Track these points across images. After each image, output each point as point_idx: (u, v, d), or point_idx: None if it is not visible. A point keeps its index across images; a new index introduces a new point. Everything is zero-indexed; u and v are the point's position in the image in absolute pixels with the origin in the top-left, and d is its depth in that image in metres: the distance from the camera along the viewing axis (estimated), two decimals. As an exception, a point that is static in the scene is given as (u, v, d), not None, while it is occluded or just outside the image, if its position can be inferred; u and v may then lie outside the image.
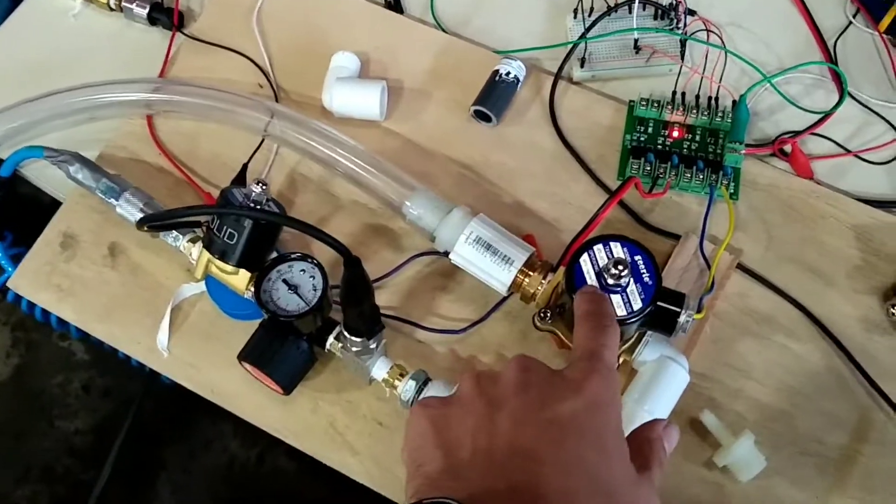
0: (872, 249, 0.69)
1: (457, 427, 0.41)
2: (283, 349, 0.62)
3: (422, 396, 0.60)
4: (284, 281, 0.61)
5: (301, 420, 0.66)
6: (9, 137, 0.75)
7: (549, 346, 0.66)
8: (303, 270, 0.61)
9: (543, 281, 0.63)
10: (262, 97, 0.76)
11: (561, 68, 0.78)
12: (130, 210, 0.68)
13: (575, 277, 0.57)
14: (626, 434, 0.44)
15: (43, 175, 0.77)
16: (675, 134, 0.73)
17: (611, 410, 0.41)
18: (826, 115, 0.74)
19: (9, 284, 0.72)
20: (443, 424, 0.41)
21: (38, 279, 0.71)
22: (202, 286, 0.68)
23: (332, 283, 0.61)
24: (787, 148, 0.74)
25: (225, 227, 0.61)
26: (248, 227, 0.61)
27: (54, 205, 0.75)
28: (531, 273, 0.63)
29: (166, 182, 0.75)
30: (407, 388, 0.61)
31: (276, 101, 0.78)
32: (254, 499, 1.37)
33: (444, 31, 0.82)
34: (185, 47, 0.82)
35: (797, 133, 0.74)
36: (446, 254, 0.66)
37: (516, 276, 0.63)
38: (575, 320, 0.47)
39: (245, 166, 0.72)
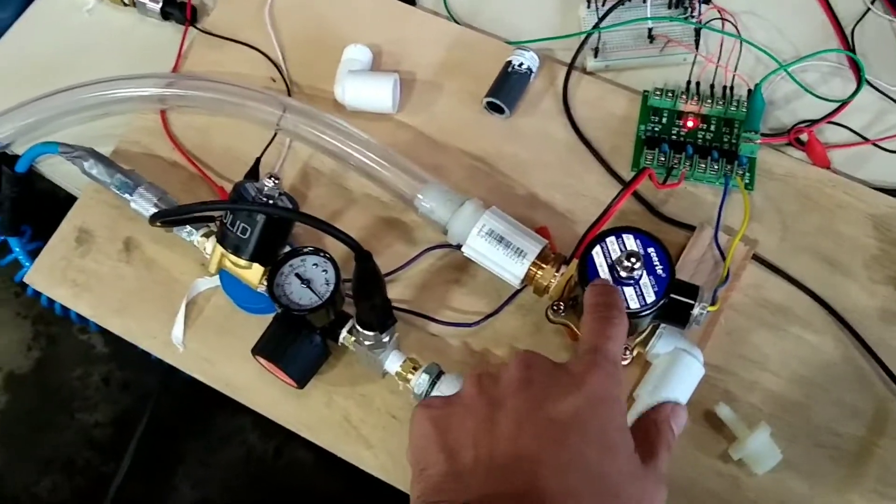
0: (890, 239, 0.68)
1: (458, 429, 0.41)
2: (296, 343, 0.62)
3: (435, 390, 0.60)
4: (297, 275, 0.61)
5: (315, 413, 0.66)
6: (24, 133, 0.76)
7: (562, 338, 0.66)
8: (315, 265, 0.62)
9: (556, 273, 0.63)
10: (274, 91, 0.76)
11: (574, 58, 0.77)
12: (144, 205, 0.68)
13: (587, 270, 0.57)
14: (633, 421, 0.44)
15: (58, 171, 0.77)
16: (690, 124, 0.73)
17: (613, 405, 0.41)
18: (843, 104, 0.73)
19: (26, 280, 0.73)
20: (445, 426, 0.41)
21: (54, 274, 0.72)
22: (216, 280, 0.68)
23: (344, 277, 0.61)
24: (804, 137, 0.73)
25: (238, 222, 0.62)
26: (261, 221, 0.61)
27: (71, 200, 0.75)
28: (544, 265, 0.63)
29: (180, 176, 0.75)
30: (420, 381, 0.61)
31: (289, 94, 0.78)
32: (272, 491, 1.38)
33: (456, 22, 0.82)
34: (198, 42, 0.82)
35: (814, 122, 0.73)
36: (459, 247, 0.66)
37: (529, 269, 0.63)
38: (583, 312, 0.47)
39: (258, 160, 0.72)
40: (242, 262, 0.63)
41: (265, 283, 0.62)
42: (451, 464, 0.39)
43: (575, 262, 0.61)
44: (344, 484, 1.31)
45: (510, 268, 0.63)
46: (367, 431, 0.65)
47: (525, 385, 0.41)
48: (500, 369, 0.44)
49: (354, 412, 0.66)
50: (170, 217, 0.66)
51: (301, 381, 0.64)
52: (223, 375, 0.68)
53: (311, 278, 0.61)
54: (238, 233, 0.62)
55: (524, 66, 0.75)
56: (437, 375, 0.61)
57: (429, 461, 0.40)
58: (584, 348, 0.43)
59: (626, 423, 0.41)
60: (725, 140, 0.72)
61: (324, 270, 0.61)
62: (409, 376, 0.61)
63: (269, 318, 0.64)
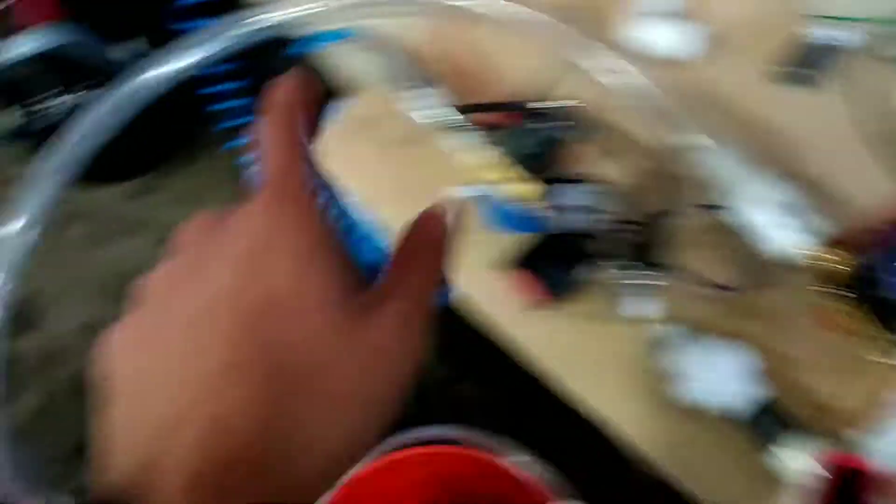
0: None
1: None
2: (559, 263, 0.63)
3: (681, 357, 0.60)
4: (570, 198, 0.61)
5: (546, 339, 0.66)
6: (301, 22, 0.78)
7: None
8: (590, 192, 0.62)
9: (836, 258, 0.60)
10: (563, 21, 0.76)
11: (882, 46, 0.73)
12: (428, 103, 0.70)
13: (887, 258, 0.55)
14: None
15: (345, 59, 0.80)
16: None
17: (259, 243, 0.30)
18: None
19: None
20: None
21: (327, 156, 0.74)
22: (477, 190, 0.69)
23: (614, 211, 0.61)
24: None
25: (525, 137, 0.62)
26: (548, 140, 0.62)
27: (342, 90, 0.78)
28: (828, 248, 0.61)
29: (460, 89, 0.76)
30: (664, 333, 0.60)
31: (576, 28, 0.77)
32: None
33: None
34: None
35: None
36: (725, 209, 0.64)
37: (811, 249, 0.61)
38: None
39: (547, 83, 0.72)
40: (516, 176, 0.63)
41: (537, 200, 0.62)
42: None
43: (861, 249, 0.58)
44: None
45: (789, 243, 0.61)
46: (590, 366, 0.65)
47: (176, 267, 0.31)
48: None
49: (588, 345, 0.66)
50: (472, 111, 0.67)
51: (557, 298, 0.64)
52: (462, 286, 0.69)
53: (583, 204, 0.61)
54: (522, 147, 0.62)
55: (829, 42, 0.71)
56: (679, 334, 0.60)
57: None
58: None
59: (298, 254, 0.29)
60: None
61: (600, 199, 0.61)
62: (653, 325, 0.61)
63: (520, 236, 0.65)
